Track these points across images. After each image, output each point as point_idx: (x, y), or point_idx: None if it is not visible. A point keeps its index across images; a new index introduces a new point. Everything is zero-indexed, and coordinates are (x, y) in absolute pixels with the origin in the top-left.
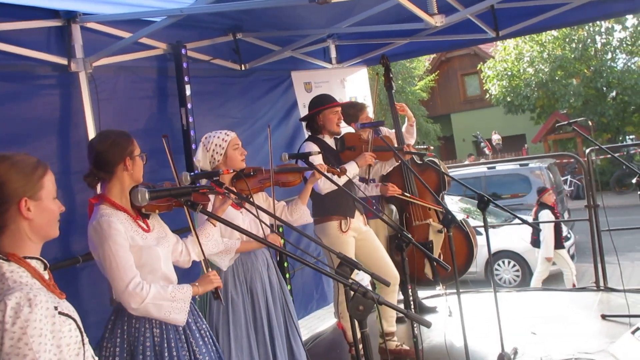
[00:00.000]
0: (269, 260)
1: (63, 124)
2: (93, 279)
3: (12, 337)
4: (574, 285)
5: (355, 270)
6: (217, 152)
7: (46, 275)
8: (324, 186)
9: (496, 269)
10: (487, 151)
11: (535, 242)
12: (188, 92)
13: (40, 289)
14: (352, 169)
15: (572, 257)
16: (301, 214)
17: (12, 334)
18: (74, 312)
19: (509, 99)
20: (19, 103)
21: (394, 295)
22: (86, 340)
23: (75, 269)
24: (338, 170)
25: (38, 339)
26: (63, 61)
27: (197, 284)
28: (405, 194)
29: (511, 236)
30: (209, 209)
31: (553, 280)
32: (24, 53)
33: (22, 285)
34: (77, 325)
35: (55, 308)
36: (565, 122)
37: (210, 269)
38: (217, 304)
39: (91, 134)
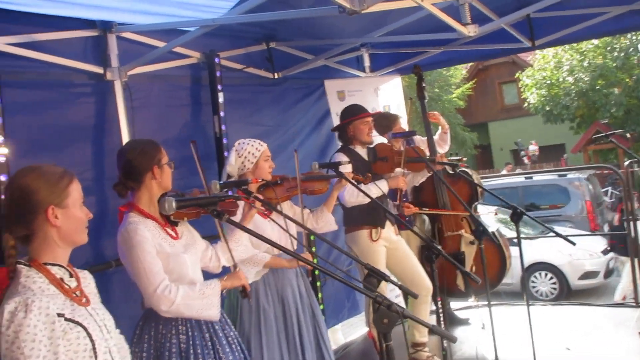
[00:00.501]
0: (299, 270)
1: (98, 132)
2: (126, 284)
3: (7, 341)
4: (624, 298)
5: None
6: (248, 160)
7: (73, 282)
8: (350, 199)
9: (532, 281)
10: (526, 160)
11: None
12: (221, 100)
13: (52, 295)
14: (383, 187)
15: (612, 270)
16: (326, 222)
17: (7, 337)
18: (101, 319)
19: (547, 108)
20: (55, 111)
21: (427, 306)
22: (105, 349)
23: (107, 273)
24: (363, 177)
25: (30, 344)
26: (99, 70)
27: (225, 278)
28: (424, 208)
29: (549, 248)
30: (238, 216)
31: (592, 294)
32: (61, 62)
33: (27, 291)
34: (88, 334)
35: (61, 315)
36: (603, 134)
37: (236, 267)
38: (248, 314)
39: (125, 141)
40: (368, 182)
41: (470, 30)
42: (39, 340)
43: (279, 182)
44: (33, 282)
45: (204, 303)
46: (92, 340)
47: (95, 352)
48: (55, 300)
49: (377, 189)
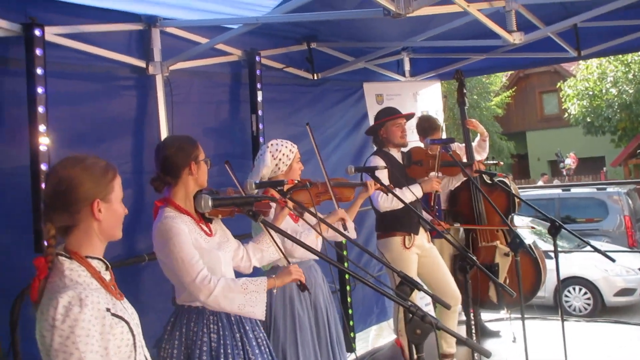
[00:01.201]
0: (323, 276)
1: (138, 125)
2: (156, 279)
3: (62, 335)
4: None
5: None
6: (283, 162)
7: (107, 275)
8: (384, 204)
9: (566, 296)
10: (564, 172)
11: None
12: (259, 99)
13: (96, 289)
14: (417, 191)
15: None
16: (348, 229)
17: (62, 331)
18: (131, 314)
19: (588, 120)
20: (97, 103)
21: (455, 315)
22: (140, 343)
23: (139, 267)
24: (386, 188)
25: (85, 339)
26: (141, 64)
27: (274, 276)
28: (456, 222)
29: (584, 262)
30: (271, 217)
31: (627, 312)
32: (105, 54)
33: (76, 285)
34: (130, 329)
35: (108, 310)
36: None
37: (290, 263)
38: (283, 320)
39: (164, 136)
40: (389, 193)
41: (516, 38)
42: (92, 335)
43: (308, 185)
44: (78, 276)
45: (246, 298)
46: (133, 335)
47: (135, 347)
48: (101, 294)
49: (411, 194)
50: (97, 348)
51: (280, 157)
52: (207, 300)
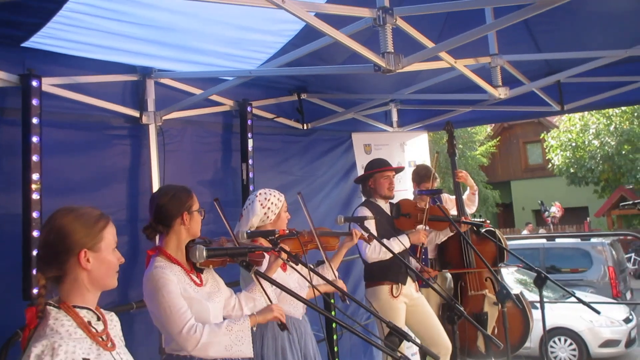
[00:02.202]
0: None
1: (132, 173)
2: (147, 326)
3: None
4: None
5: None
6: (272, 211)
7: (100, 325)
8: (372, 255)
9: (552, 346)
10: (551, 221)
11: None
12: (250, 148)
13: (78, 339)
14: (404, 242)
15: (633, 340)
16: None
17: None
18: None
19: (572, 170)
20: (92, 151)
21: None
22: None
23: (129, 314)
24: (366, 237)
25: None
26: (135, 113)
27: (255, 313)
28: (444, 269)
29: (569, 313)
30: (263, 267)
31: None
32: (100, 104)
33: (54, 334)
34: None
35: (86, 359)
36: (630, 202)
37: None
38: None
39: (155, 184)
40: (371, 242)
41: (501, 93)
42: None
43: (295, 234)
44: (61, 325)
45: (232, 339)
46: None
47: None
48: (82, 345)
49: (399, 244)
50: None
51: (269, 205)
52: (194, 349)
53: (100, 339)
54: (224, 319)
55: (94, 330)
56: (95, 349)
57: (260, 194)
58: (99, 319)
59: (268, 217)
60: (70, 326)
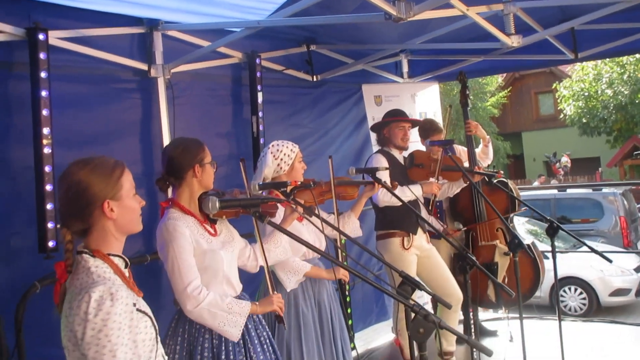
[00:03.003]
0: None
1: (143, 127)
2: (161, 278)
3: (94, 328)
4: None
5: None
6: (284, 162)
7: (127, 272)
8: (383, 198)
9: (562, 296)
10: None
11: None
12: (260, 101)
13: (121, 285)
14: (417, 191)
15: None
16: (353, 227)
17: (94, 324)
18: (149, 310)
19: (584, 120)
20: (102, 105)
21: (456, 315)
22: (159, 338)
23: (143, 266)
24: (389, 185)
25: (117, 332)
26: (143, 67)
27: (257, 303)
28: (463, 227)
29: (579, 262)
30: (277, 218)
31: (622, 312)
32: (108, 57)
33: (105, 280)
34: (153, 323)
35: (134, 305)
36: None
37: (275, 292)
38: (287, 318)
39: (165, 138)
40: (395, 188)
41: (514, 41)
42: (123, 329)
43: (312, 185)
44: (104, 272)
45: (228, 318)
46: (155, 330)
47: (157, 341)
48: (125, 290)
49: (411, 192)
50: (126, 341)
51: (281, 157)
52: (192, 310)
53: (133, 285)
54: (240, 269)
55: (126, 276)
56: (132, 295)
57: (272, 145)
58: (126, 265)
59: (281, 167)
60: (110, 273)
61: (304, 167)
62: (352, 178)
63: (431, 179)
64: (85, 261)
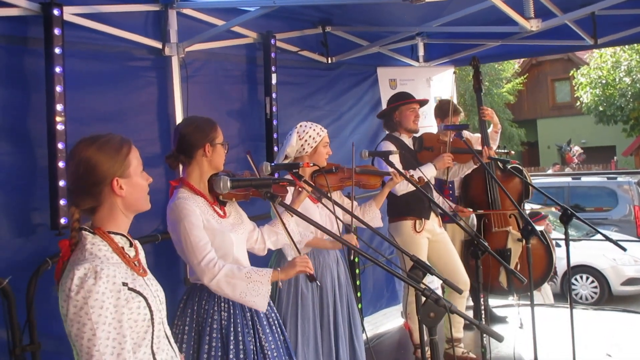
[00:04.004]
0: (339, 257)
1: (156, 106)
2: (171, 257)
3: (76, 305)
4: None
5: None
6: (308, 144)
7: (132, 251)
8: (400, 188)
9: (573, 284)
10: (576, 160)
11: None
12: (274, 82)
13: (116, 264)
14: (429, 171)
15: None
16: (373, 217)
17: (76, 302)
18: (155, 291)
19: (601, 109)
20: (116, 83)
21: (464, 301)
22: (160, 319)
23: (155, 245)
24: (413, 177)
25: (98, 311)
26: (158, 45)
27: (279, 269)
28: (479, 210)
29: (592, 251)
30: (288, 199)
31: (634, 301)
32: (122, 35)
33: (94, 258)
34: (148, 304)
35: (125, 284)
36: None
37: (301, 253)
38: (286, 295)
39: (179, 116)
40: (421, 183)
41: (533, 25)
42: (106, 307)
43: (334, 170)
44: (99, 250)
45: (249, 287)
46: (150, 311)
47: (152, 322)
48: (120, 269)
49: (422, 174)
50: (110, 320)
51: (306, 138)
52: (210, 283)
53: (134, 265)
54: (247, 252)
55: (127, 255)
56: (130, 274)
57: (300, 125)
58: (130, 245)
59: (304, 149)
60: (107, 251)
61: (328, 153)
62: (365, 161)
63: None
64: (84, 238)
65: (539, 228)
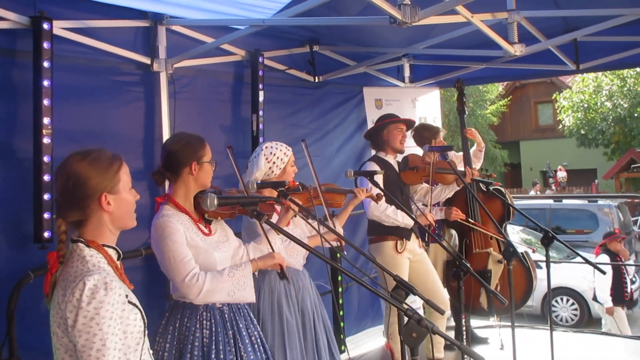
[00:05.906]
0: (310, 279)
1: (143, 121)
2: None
3: (86, 316)
4: None
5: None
6: (277, 166)
7: (119, 264)
8: (373, 212)
9: (553, 306)
10: (553, 187)
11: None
12: (261, 99)
13: (115, 276)
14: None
15: (635, 302)
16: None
17: (87, 312)
18: (139, 303)
19: (582, 132)
20: (104, 97)
21: (444, 321)
22: (146, 332)
23: (138, 260)
24: (374, 195)
25: (108, 322)
26: (146, 60)
27: (257, 259)
28: (469, 219)
29: (572, 273)
30: (273, 219)
31: None
32: (111, 50)
33: (100, 270)
34: (142, 316)
35: (126, 296)
36: None
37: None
38: (271, 325)
39: (165, 132)
40: (379, 201)
41: (517, 50)
42: (114, 318)
43: (300, 190)
44: (98, 262)
45: (234, 284)
46: (144, 323)
47: (145, 334)
48: (118, 282)
49: (402, 218)
50: (117, 331)
51: (274, 160)
52: (197, 298)
53: (125, 277)
54: None
55: (120, 268)
56: (124, 287)
57: (266, 147)
58: (119, 257)
59: (273, 171)
60: (104, 264)
61: (295, 171)
62: (350, 181)
63: (424, 185)
64: (81, 250)
65: (616, 248)
